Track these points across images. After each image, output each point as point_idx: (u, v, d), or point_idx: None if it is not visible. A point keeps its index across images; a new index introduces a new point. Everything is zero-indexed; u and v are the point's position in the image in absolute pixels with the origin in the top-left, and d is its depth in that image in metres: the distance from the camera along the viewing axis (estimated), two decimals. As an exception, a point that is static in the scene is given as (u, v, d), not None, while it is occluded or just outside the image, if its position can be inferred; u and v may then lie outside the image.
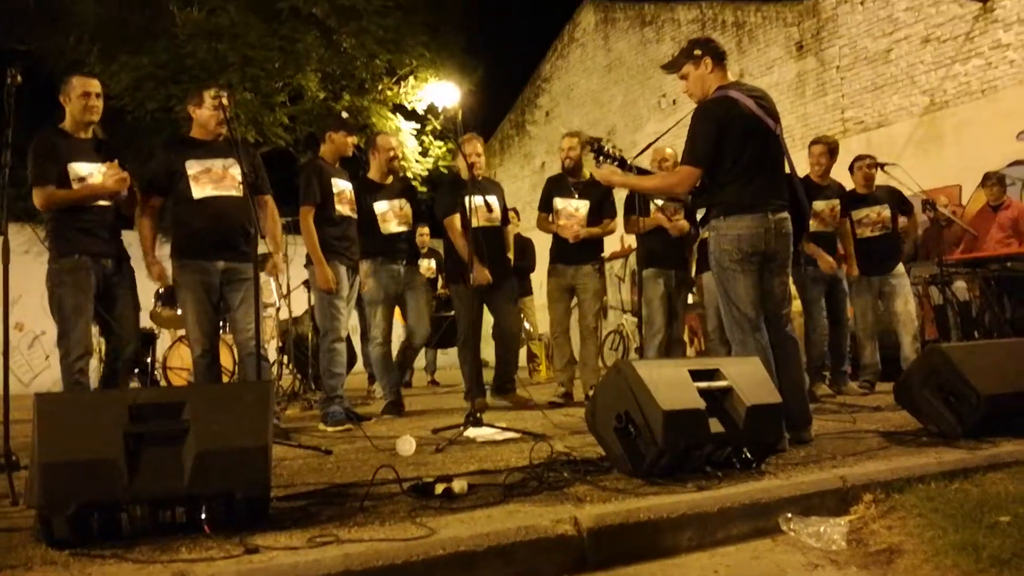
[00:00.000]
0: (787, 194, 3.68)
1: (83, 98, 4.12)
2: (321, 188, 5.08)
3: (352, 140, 5.41)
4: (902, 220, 6.46)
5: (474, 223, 5.41)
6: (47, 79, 11.48)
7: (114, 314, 4.23)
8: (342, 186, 5.25)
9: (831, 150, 6.04)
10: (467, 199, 4.91)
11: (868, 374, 6.33)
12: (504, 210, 6.08)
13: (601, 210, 6.07)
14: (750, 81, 10.53)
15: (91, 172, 4.15)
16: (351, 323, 5.90)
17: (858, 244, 6.25)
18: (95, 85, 4.18)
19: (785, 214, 3.62)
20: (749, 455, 2.89)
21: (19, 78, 3.38)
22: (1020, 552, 2.06)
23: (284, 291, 7.06)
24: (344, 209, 5.22)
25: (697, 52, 3.69)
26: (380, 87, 13.48)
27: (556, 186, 6.11)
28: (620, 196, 5.83)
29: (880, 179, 6.39)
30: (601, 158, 4.04)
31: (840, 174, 6.31)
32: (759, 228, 3.53)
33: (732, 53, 3.54)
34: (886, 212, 6.26)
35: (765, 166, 3.61)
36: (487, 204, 5.76)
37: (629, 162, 4.04)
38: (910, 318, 6.17)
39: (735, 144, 3.53)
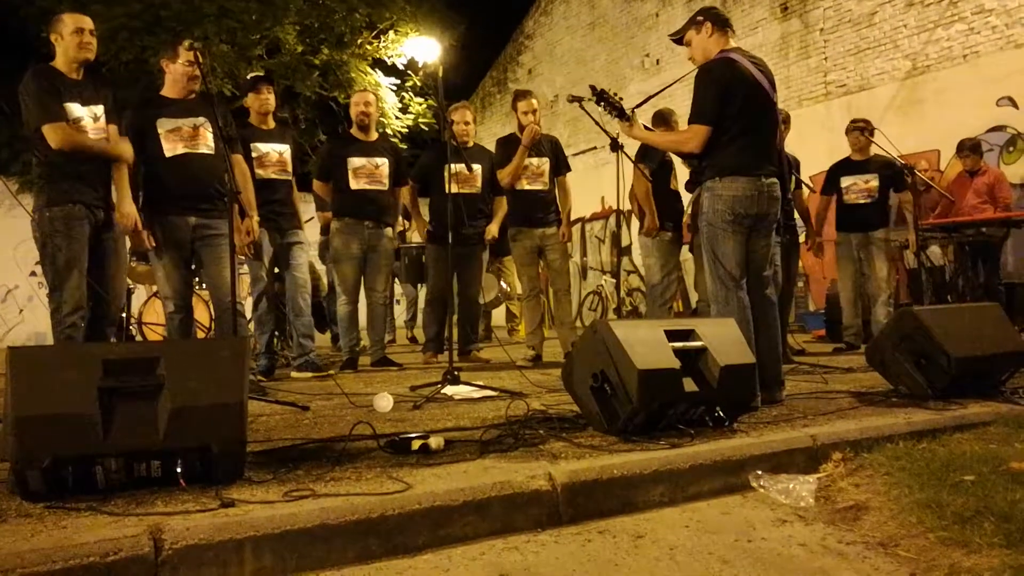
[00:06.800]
0: (778, 160, 3.73)
1: (77, 34, 4.01)
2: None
3: (263, 97, 5.34)
4: (895, 196, 6.61)
5: (453, 189, 5.52)
6: (17, 28, 11.22)
7: (103, 271, 4.12)
8: (264, 149, 5.29)
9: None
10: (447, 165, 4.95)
11: (849, 335, 6.51)
12: (489, 180, 6.07)
13: (559, 167, 6.10)
14: (733, 42, 10.47)
15: (82, 116, 4.05)
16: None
17: (845, 208, 6.59)
18: (87, 21, 4.07)
19: (775, 179, 3.69)
20: (722, 414, 2.94)
21: None
22: (982, 510, 2.11)
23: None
24: (267, 172, 5.27)
25: (699, 18, 3.79)
26: (359, 41, 13.25)
27: (512, 147, 5.95)
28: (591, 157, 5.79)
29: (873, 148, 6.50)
30: (603, 104, 4.01)
31: (837, 145, 6.41)
32: (752, 191, 3.60)
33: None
34: (874, 182, 6.47)
35: (761, 131, 3.68)
36: (469, 169, 5.61)
37: (628, 112, 4.03)
38: (884, 282, 6.37)
39: (734, 106, 3.59)
